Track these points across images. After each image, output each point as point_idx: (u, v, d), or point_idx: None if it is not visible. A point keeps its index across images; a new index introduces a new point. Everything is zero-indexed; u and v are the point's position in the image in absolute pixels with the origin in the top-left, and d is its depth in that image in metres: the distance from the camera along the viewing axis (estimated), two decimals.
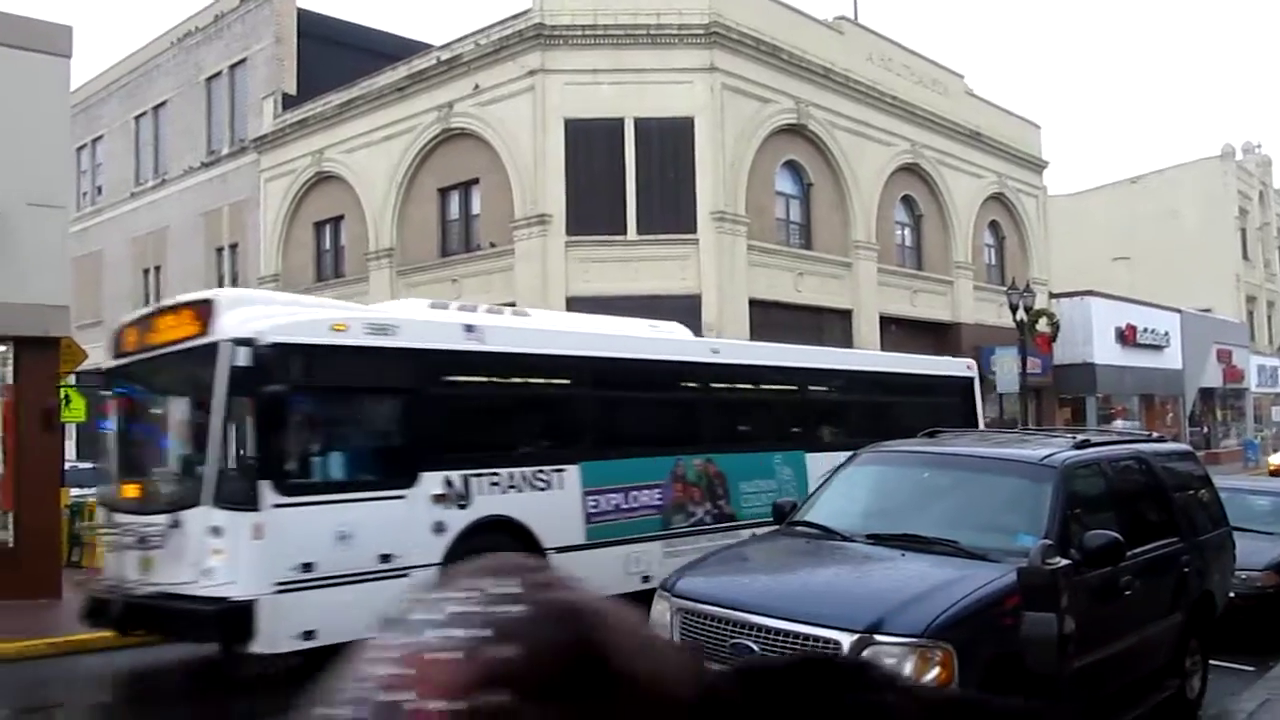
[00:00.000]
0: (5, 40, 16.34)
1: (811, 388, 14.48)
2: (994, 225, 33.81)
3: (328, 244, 28.97)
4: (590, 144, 22.82)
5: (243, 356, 8.61)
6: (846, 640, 5.22)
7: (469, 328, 10.48)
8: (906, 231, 30.01)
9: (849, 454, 13.47)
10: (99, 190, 36.59)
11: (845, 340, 25.27)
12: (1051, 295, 35.30)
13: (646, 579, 11.10)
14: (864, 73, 27.42)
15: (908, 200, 29.70)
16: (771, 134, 24.72)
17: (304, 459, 9.10)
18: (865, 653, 5.18)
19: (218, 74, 32.05)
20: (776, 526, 7.53)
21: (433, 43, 27.70)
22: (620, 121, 22.92)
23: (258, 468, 8.63)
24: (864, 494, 7.51)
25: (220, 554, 8.52)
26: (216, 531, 8.56)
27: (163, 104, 34.02)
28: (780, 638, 5.41)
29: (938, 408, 16.08)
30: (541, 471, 10.64)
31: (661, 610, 6.17)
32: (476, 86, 24.13)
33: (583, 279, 22.22)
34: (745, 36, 23.78)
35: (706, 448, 12.50)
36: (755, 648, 5.47)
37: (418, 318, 10.60)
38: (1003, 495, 6.85)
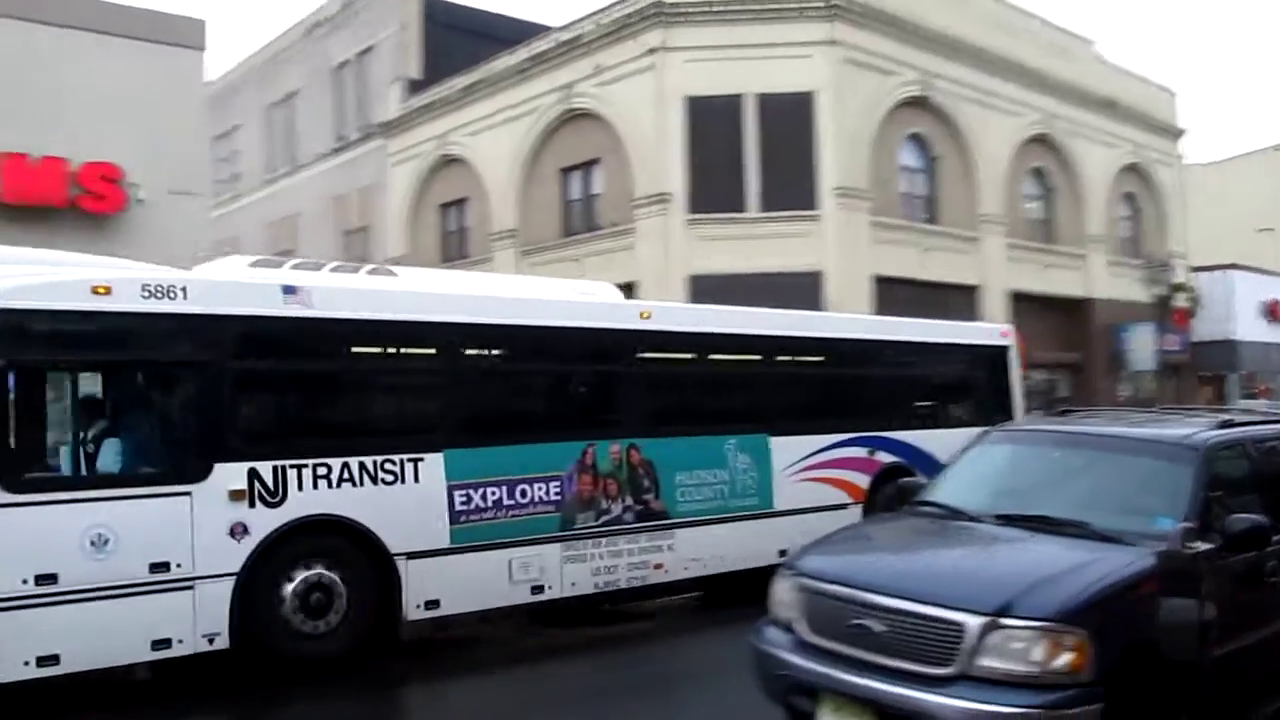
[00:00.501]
0: (142, 35, 17.18)
1: (779, 359, 12.08)
2: (1129, 197, 32.61)
3: (453, 225, 29.52)
4: (710, 121, 22.72)
5: None
6: (973, 622, 5.13)
7: (289, 289, 8.65)
8: (1037, 204, 29.15)
9: (834, 438, 12.15)
10: (236, 177, 37.93)
11: (971, 317, 24.71)
12: (1191, 269, 33.94)
13: (539, 589, 9.69)
14: (990, 41, 26.66)
15: (1038, 172, 28.84)
16: (895, 107, 24.26)
17: (46, 448, 7.89)
18: (991, 636, 5.09)
19: (346, 62, 32.90)
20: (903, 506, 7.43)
21: (555, 24, 27.91)
22: (741, 98, 22.77)
23: None
24: (992, 474, 7.34)
25: None
26: None
27: (295, 93, 35.06)
28: (904, 619, 5.34)
29: (955, 383, 14.32)
30: (390, 461, 8.89)
31: (784, 589, 6.15)
32: (597, 67, 24.24)
33: (703, 257, 22.17)
34: (866, 8, 23.35)
35: (629, 431, 10.48)
36: (879, 628, 5.41)
37: (217, 278, 8.90)
38: (1140, 476, 6.63)
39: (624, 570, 10.29)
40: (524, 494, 9.62)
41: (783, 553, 10.22)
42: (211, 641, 7.87)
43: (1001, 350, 14.68)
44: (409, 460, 8.98)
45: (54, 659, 7.26)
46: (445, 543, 9.12)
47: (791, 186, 22.61)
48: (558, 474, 9.87)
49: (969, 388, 14.35)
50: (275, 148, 36.14)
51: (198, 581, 7.82)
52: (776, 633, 6.09)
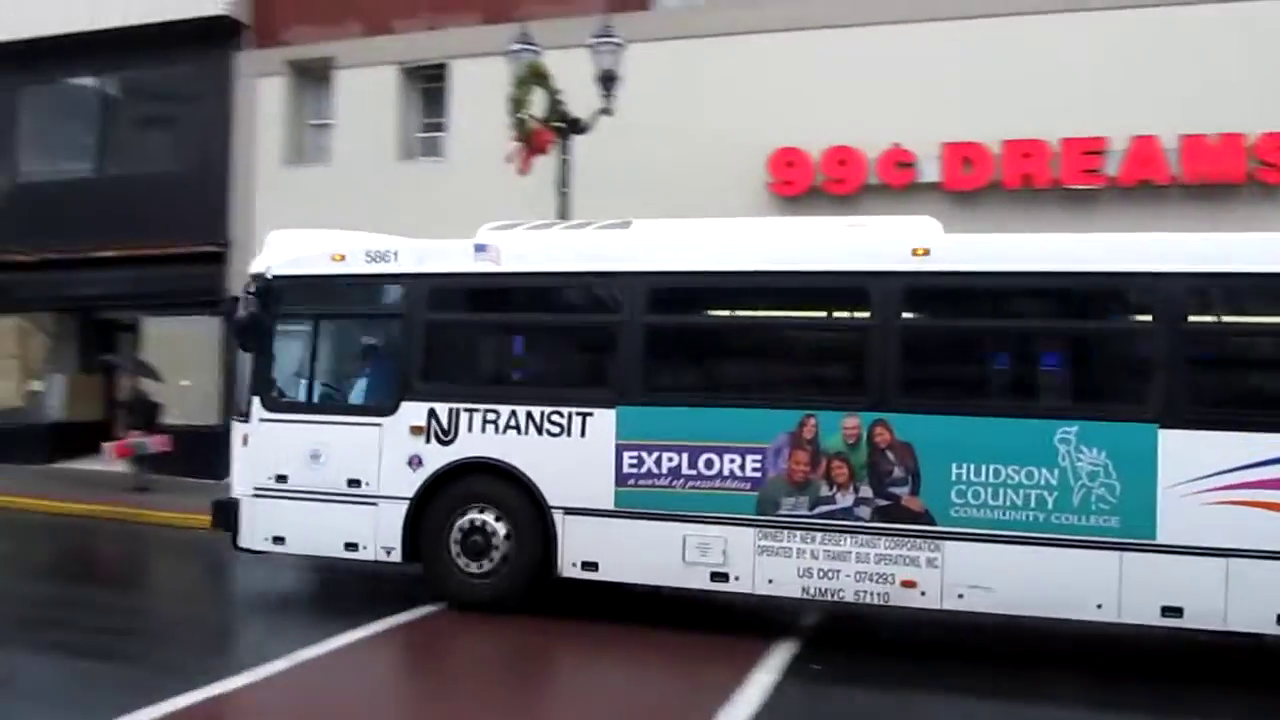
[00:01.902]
0: None
1: (1194, 318, 8.21)
2: None
3: None
4: None
5: (254, 288, 9.82)
6: None
7: (480, 248, 9.42)
8: None
9: None
10: None
11: None
12: None
13: (721, 576, 8.60)
14: None
15: None
16: None
17: (291, 380, 10.04)
18: None
19: None
20: None
21: None
22: None
23: (252, 385, 9.87)
24: None
25: (233, 458, 10.09)
26: (233, 438, 10.14)
27: None
28: None
29: None
30: (557, 414, 9.03)
31: None
32: None
33: None
34: None
35: (877, 402, 8.36)
36: None
37: (425, 241, 10.01)
38: None
39: (849, 578, 8.38)
40: (709, 464, 8.66)
41: (1170, 610, 7.66)
42: (389, 554, 9.46)
43: None
44: (577, 414, 9.03)
45: (282, 540, 9.77)
46: (608, 504, 8.90)
47: None
48: (759, 446, 8.57)
49: None
50: None
51: (380, 500, 9.45)
52: None
